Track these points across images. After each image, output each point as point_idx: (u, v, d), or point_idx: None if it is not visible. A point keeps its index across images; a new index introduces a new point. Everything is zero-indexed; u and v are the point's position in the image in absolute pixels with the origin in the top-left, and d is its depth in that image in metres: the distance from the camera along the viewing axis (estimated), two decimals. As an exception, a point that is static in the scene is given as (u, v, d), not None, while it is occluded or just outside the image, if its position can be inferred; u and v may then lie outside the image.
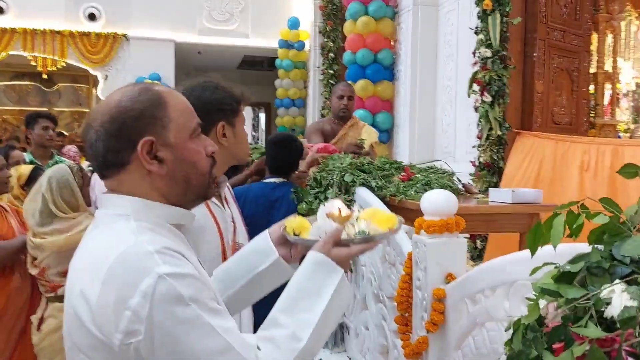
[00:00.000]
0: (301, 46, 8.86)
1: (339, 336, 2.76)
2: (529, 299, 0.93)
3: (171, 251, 0.90)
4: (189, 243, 1.06)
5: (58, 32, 8.41)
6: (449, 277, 1.51)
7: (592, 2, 5.45)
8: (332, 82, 7.08)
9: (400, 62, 5.87)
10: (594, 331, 0.73)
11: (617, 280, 0.79)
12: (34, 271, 2.38)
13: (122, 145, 0.96)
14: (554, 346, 0.80)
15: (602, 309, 0.78)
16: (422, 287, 1.56)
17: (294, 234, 1.22)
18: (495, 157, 4.24)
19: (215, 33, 9.17)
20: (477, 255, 4.21)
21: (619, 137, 8.09)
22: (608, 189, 3.37)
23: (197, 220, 1.24)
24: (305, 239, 1.19)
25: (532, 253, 0.96)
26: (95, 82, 9.48)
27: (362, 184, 2.55)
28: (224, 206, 1.62)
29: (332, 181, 2.61)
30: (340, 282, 1.06)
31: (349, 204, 1.27)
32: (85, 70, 8.90)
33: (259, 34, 9.27)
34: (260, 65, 10.72)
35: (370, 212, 1.22)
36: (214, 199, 1.58)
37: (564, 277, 0.86)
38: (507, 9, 4.17)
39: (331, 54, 7.37)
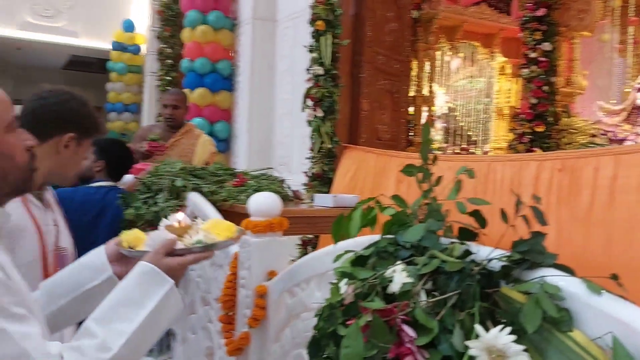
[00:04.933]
0: (136, 50, 8.53)
1: (165, 343, 2.70)
2: (332, 283, 1.04)
3: None
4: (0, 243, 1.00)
5: None
6: (271, 274, 1.59)
7: (412, 32, 6.08)
8: (168, 88, 6.91)
9: (240, 74, 5.93)
10: (376, 304, 0.85)
11: (398, 262, 0.93)
12: None
13: None
14: (348, 322, 0.91)
15: (387, 286, 0.92)
16: (246, 285, 1.62)
17: (129, 248, 1.19)
18: (325, 169, 4.51)
19: (39, 29, 8.43)
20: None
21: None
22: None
23: (14, 221, 1.16)
24: (138, 250, 1.17)
25: (336, 241, 1.07)
26: None
27: (194, 189, 2.53)
28: (45, 208, 1.54)
29: (162, 186, 2.55)
30: (168, 292, 1.05)
31: (194, 219, 1.29)
32: None
33: (89, 34, 8.73)
34: (90, 66, 10.07)
35: (212, 224, 1.24)
36: (34, 200, 1.50)
37: (358, 261, 0.98)
38: (338, 31, 4.49)
39: (169, 60, 7.21)
